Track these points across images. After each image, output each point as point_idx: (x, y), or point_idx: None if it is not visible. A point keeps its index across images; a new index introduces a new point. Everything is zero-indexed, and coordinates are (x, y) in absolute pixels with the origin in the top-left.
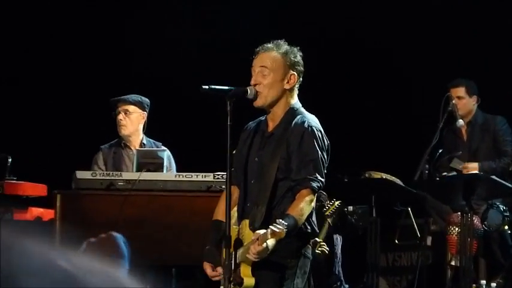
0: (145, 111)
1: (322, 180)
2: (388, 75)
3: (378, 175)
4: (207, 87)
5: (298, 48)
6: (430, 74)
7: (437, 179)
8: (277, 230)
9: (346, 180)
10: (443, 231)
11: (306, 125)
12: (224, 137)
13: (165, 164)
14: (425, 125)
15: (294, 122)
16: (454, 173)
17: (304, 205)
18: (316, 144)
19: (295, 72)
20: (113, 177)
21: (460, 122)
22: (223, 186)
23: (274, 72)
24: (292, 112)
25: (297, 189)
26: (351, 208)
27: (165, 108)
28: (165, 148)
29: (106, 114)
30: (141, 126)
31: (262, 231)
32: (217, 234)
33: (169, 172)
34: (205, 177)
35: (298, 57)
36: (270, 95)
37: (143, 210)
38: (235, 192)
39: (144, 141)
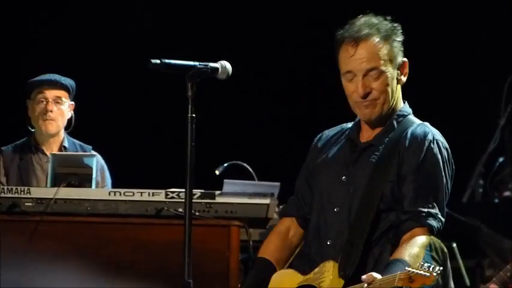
0: (72, 100)
1: (443, 220)
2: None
3: None
4: (158, 61)
5: (394, 22)
6: (485, 49)
7: (497, 201)
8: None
9: None
10: (504, 279)
11: (430, 137)
12: (183, 137)
13: (94, 175)
14: (480, 123)
15: (409, 132)
16: None
17: (420, 250)
18: (442, 168)
19: (405, 59)
20: (17, 195)
21: None
22: (180, 210)
23: (388, 68)
24: (403, 118)
25: (407, 226)
26: None
27: (95, 97)
28: (96, 153)
29: (11, 102)
30: (65, 122)
31: (376, 275)
32: (258, 276)
33: (101, 188)
34: (153, 195)
35: (400, 35)
36: (389, 99)
37: (61, 244)
38: (290, 226)
39: (66, 144)
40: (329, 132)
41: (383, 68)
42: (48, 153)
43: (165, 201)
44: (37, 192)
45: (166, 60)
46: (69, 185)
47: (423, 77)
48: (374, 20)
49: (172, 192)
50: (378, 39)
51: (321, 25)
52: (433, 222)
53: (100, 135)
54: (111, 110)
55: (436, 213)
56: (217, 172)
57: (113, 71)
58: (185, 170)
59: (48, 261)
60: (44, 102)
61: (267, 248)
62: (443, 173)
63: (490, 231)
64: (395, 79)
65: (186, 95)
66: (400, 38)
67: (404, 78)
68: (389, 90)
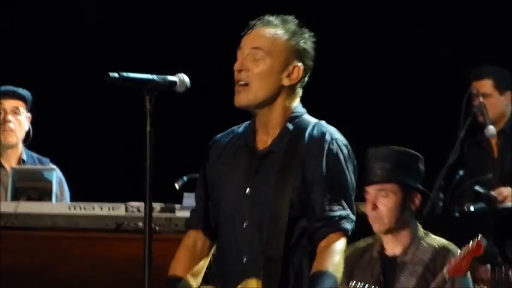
0: (28, 111)
1: (354, 218)
2: (383, 63)
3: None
4: (116, 75)
5: (311, 33)
6: (444, 60)
7: (457, 214)
8: None
9: None
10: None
11: (328, 138)
12: (142, 150)
13: (54, 189)
14: (439, 135)
15: (306, 134)
16: (482, 205)
17: (340, 257)
18: (345, 166)
19: (300, 64)
20: None
21: (491, 129)
22: (140, 224)
23: (272, 58)
24: (297, 119)
25: (323, 233)
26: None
27: (52, 109)
28: (55, 167)
29: None
30: (23, 134)
31: None
32: None
33: (61, 202)
34: (113, 209)
35: (309, 44)
36: (263, 90)
37: (21, 258)
38: (197, 239)
39: (24, 157)
40: (222, 138)
41: (268, 56)
42: (6, 166)
43: (124, 216)
44: None
45: (124, 74)
46: (29, 199)
47: (381, 88)
48: (289, 18)
49: (132, 206)
50: (280, 31)
51: None
52: (346, 225)
53: (58, 147)
54: (69, 123)
55: (348, 214)
56: (177, 185)
57: (71, 83)
58: (144, 183)
59: (7, 276)
60: (2, 113)
61: (178, 264)
62: (346, 171)
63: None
64: (276, 74)
65: (144, 109)
66: (305, 45)
67: (288, 81)
68: (266, 81)
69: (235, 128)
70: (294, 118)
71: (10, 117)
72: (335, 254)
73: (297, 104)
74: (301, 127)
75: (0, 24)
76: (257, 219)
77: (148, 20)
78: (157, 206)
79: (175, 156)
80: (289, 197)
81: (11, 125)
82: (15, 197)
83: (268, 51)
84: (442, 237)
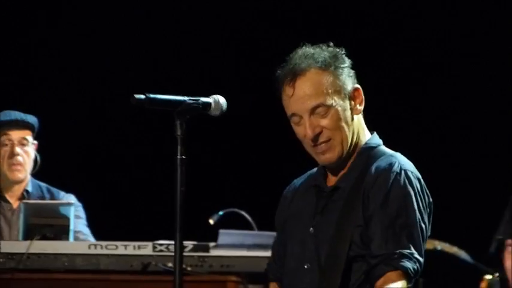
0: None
1: (421, 260)
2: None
3: (429, 244)
4: (142, 96)
5: (340, 48)
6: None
7: None
8: None
9: None
10: None
11: (396, 168)
12: (172, 182)
13: (71, 227)
14: (506, 156)
15: (374, 166)
16: None
17: None
18: (414, 201)
19: (356, 84)
20: None
21: None
22: (170, 264)
23: (334, 101)
24: (369, 152)
25: (379, 272)
26: None
27: (66, 135)
28: (73, 200)
29: None
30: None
31: None
32: None
33: (80, 241)
34: (139, 248)
35: (347, 61)
36: (345, 136)
37: None
38: None
39: (29, 188)
40: (298, 181)
41: (330, 102)
42: (11, 200)
43: (152, 255)
44: (7, 246)
45: (152, 95)
46: (43, 238)
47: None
48: (310, 50)
49: (161, 244)
50: (317, 70)
51: None
52: (407, 263)
53: (76, 179)
54: (88, 151)
55: (411, 253)
56: (211, 221)
57: (93, 106)
58: (174, 219)
59: None
60: (9, 145)
61: None
62: (415, 207)
63: None
64: (348, 110)
65: (175, 134)
66: (345, 64)
67: (360, 107)
68: (344, 125)
69: (312, 170)
70: (366, 150)
71: (18, 149)
72: None
73: (372, 135)
74: (372, 159)
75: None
76: (318, 260)
77: (185, 38)
78: (189, 244)
79: (210, 188)
80: (350, 236)
81: (20, 159)
82: (27, 235)
83: (329, 98)
84: None
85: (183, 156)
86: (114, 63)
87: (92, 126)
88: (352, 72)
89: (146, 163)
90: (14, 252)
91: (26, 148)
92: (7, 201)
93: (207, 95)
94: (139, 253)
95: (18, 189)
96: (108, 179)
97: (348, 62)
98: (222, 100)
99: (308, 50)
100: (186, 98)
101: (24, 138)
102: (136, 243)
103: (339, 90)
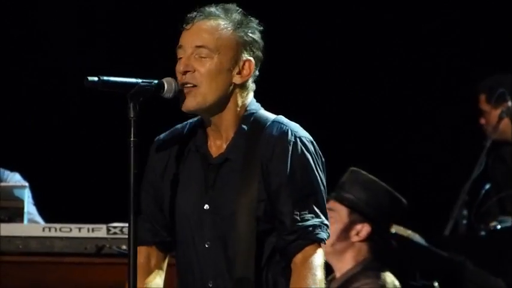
0: None
1: (328, 224)
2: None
3: None
4: (95, 78)
5: (258, 21)
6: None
7: (483, 233)
8: None
9: None
10: None
11: (290, 138)
12: (123, 163)
13: (26, 209)
14: (461, 146)
15: (265, 135)
16: (510, 223)
17: (321, 272)
18: (314, 167)
19: (251, 58)
20: None
21: None
22: (124, 247)
23: (219, 55)
24: (252, 118)
25: (297, 247)
26: None
27: (18, 116)
28: (26, 183)
29: None
30: None
31: None
32: None
33: (33, 223)
34: (93, 231)
35: (258, 34)
36: (212, 91)
37: None
38: (150, 255)
39: None
40: (166, 140)
41: (216, 52)
42: None
43: (106, 238)
44: None
45: (105, 78)
46: None
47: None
48: (231, 7)
49: (115, 227)
50: (224, 22)
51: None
52: (322, 234)
53: (28, 161)
54: (40, 132)
55: (321, 221)
56: None
57: (45, 87)
58: (128, 201)
59: None
60: None
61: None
62: (315, 172)
63: (476, 268)
64: (229, 73)
65: (127, 116)
66: (253, 36)
67: (240, 79)
68: (217, 81)
69: (178, 127)
70: (248, 117)
71: None
72: (315, 269)
73: (250, 101)
74: (258, 127)
75: None
76: (221, 240)
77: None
78: None
79: None
80: (254, 210)
81: None
82: None
83: (215, 47)
84: (467, 257)
85: (136, 139)
86: (67, 44)
87: (45, 106)
88: (256, 49)
89: (100, 144)
90: None
91: None
92: None
93: (160, 78)
94: (93, 236)
95: None
96: (62, 160)
97: (258, 39)
98: (175, 83)
99: (230, 6)
100: (139, 80)
101: None
102: (91, 226)
103: (232, 51)
